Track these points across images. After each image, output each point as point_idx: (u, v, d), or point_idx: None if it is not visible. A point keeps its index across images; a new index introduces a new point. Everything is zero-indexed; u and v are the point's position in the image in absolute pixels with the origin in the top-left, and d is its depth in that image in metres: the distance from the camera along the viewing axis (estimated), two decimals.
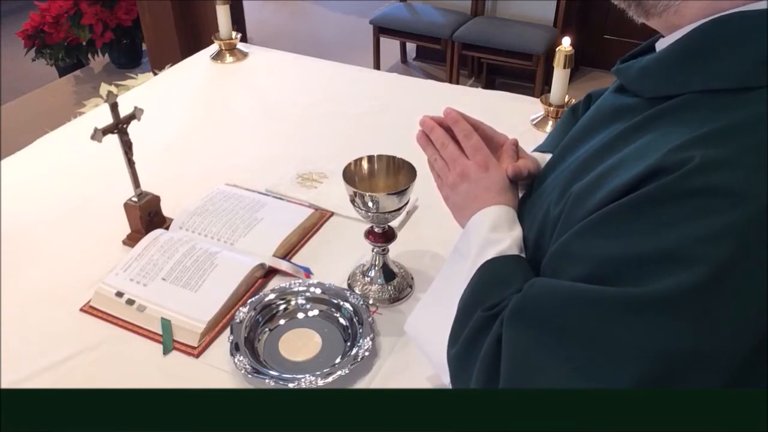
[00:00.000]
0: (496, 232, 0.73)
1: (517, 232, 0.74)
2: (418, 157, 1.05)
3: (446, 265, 0.79)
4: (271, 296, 1.04)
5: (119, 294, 1.03)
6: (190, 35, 3.12)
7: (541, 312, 0.58)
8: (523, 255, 0.72)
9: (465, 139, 0.83)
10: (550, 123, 1.48)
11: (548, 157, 0.85)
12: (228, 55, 1.86)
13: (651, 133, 0.59)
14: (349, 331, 0.99)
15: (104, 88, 2.15)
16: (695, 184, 0.51)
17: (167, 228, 1.19)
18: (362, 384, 0.92)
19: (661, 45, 0.65)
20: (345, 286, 1.08)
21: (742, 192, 0.50)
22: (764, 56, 0.54)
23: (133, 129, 1.11)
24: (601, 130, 0.67)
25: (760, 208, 0.49)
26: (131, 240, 1.16)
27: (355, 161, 1.03)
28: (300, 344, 0.98)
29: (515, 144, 0.87)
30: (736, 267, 0.49)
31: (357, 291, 1.06)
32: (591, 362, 0.53)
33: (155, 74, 1.93)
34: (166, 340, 0.98)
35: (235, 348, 0.94)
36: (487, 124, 0.89)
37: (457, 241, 0.79)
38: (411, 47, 3.98)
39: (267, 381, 0.90)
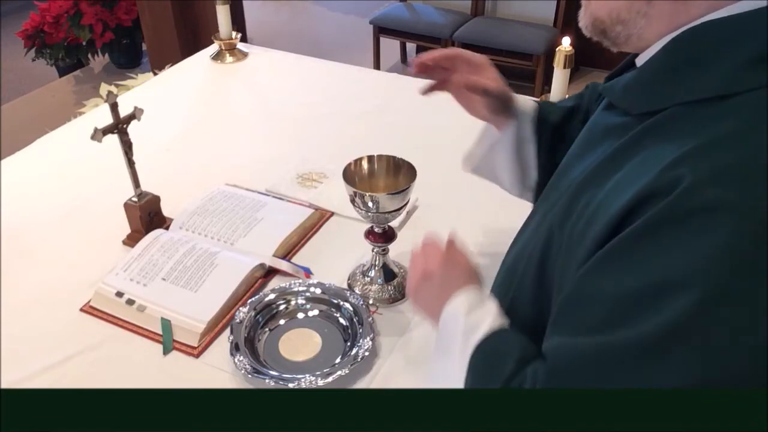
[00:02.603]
0: (473, 315, 0.72)
1: (491, 304, 0.73)
2: (418, 157, 1.05)
3: (432, 366, 0.77)
4: (271, 296, 1.04)
5: (119, 294, 1.03)
6: (190, 35, 3.12)
7: (571, 381, 0.57)
8: (507, 322, 0.71)
9: (424, 245, 0.84)
10: None
11: (528, 104, 0.92)
12: (228, 55, 1.86)
13: (641, 153, 0.59)
14: (349, 331, 0.99)
15: (104, 88, 2.15)
16: (690, 204, 0.51)
17: (167, 228, 1.19)
18: (362, 384, 0.92)
19: (639, 61, 0.65)
20: (345, 286, 1.08)
21: (738, 205, 0.49)
22: (739, 62, 0.54)
23: (133, 129, 1.11)
24: (596, 148, 0.67)
25: (757, 219, 0.49)
26: (131, 240, 1.16)
27: (355, 161, 1.03)
28: (300, 344, 0.98)
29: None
30: (741, 281, 0.49)
31: (357, 291, 1.06)
32: None
33: (155, 74, 1.93)
34: (166, 340, 0.98)
35: (235, 348, 0.94)
36: (468, 52, 0.93)
37: (436, 340, 0.77)
38: (411, 47, 3.98)
39: (267, 381, 0.90)
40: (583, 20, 0.67)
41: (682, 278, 0.50)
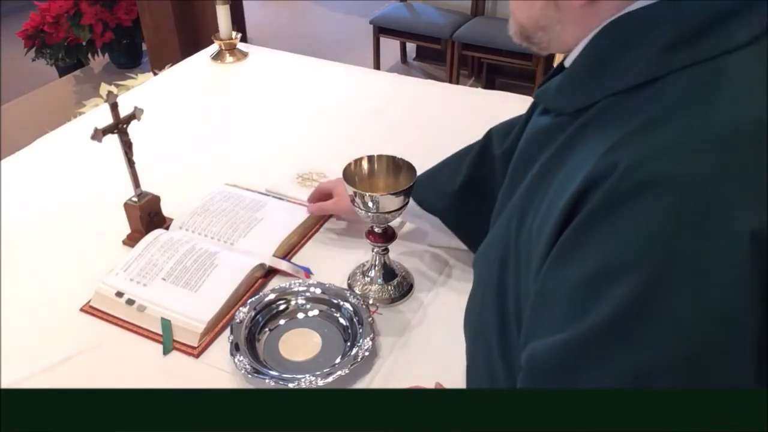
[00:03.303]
0: None
1: None
2: (418, 157, 1.05)
3: None
4: (271, 296, 1.04)
5: (119, 294, 1.03)
6: (190, 35, 3.12)
7: (545, 380, 0.59)
8: None
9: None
10: None
11: None
12: (228, 55, 1.86)
13: (580, 147, 0.61)
14: (349, 331, 0.99)
15: (104, 88, 2.15)
16: (629, 185, 0.52)
17: (167, 228, 1.18)
18: (362, 384, 0.92)
19: (568, 62, 0.68)
20: (345, 286, 1.08)
21: (674, 178, 0.50)
22: (659, 47, 0.57)
23: (133, 129, 1.11)
24: (538, 152, 0.69)
25: (695, 189, 0.50)
26: (131, 240, 1.16)
27: (355, 161, 1.03)
28: (300, 344, 0.98)
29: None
30: (688, 252, 0.49)
31: (357, 291, 1.06)
32: None
33: (155, 74, 1.93)
34: (166, 340, 0.98)
35: (235, 348, 0.94)
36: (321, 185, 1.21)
37: None
38: (411, 47, 3.98)
39: (267, 381, 0.90)
40: (512, 29, 0.71)
41: (629, 259, 0.51)
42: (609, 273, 0.52)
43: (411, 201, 1.03)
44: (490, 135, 1.05)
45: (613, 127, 0.57)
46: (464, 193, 1.04)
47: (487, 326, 0.73)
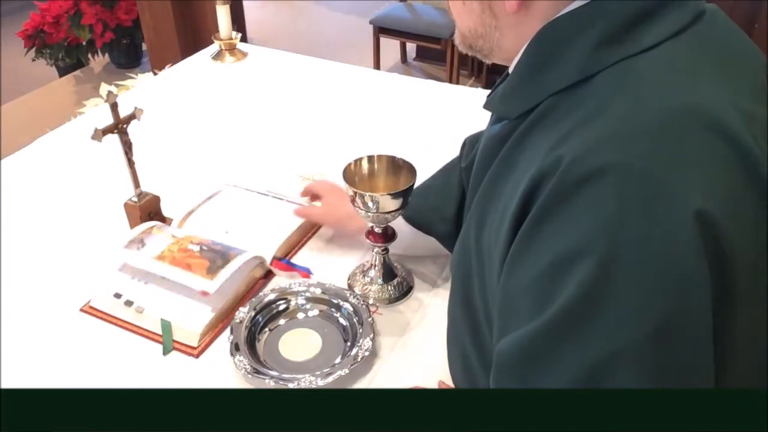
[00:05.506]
0: None
1: None
2: (418, 157, 1.05)
3: None
4: (271, 296, 1.04)
5: (117, 295, 1.03)
6: (190, 35, 3.12)
7: (515, 371, 0.59)
8: None
9: None
10: None
11: None
12: (228, 55, 1.86)
13: (527, 148, 0.63)
14: (349, 331, 0.99)
15: (104, 88, 2.14)
16: (573, 178, 0.54)
17: None
18: (362, 384, 0.92)
19: (511, 69, 0.70)
20: (345, 286, 1.08)
21: (615, 165, 0.52)
22: (589, 47, 0.59)
23: (133, 129, 1.11)
24: (492, 159, 0.70)
25: (635, 172, 0.52)
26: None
27: (355, 161, 1.03)
28: (300, 344, 0.98)
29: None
30: (635, 233, 0.51)
31: (357, 291, 1.06)
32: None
33: (155, 74, 1.93)
34: (166, 340, 0.98)
35: (235, 348, 0.94)
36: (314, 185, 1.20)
37: None
38: (411, 47, 3.98)
39: (267, 381, 0.90)
40: (457, 39, 0.74)
41: (581, 246, 0.52)
42: (563, 262, 0.53)
43: (411, 229, 1.03)
44: (464, 145, 1.06)
45: (555, 125, 0.59)
46: (459, 214, 1.03)
47: (461, 331, 0.75)
